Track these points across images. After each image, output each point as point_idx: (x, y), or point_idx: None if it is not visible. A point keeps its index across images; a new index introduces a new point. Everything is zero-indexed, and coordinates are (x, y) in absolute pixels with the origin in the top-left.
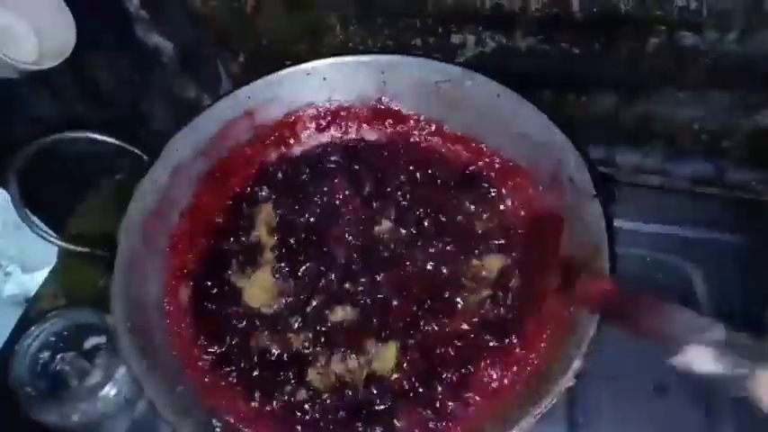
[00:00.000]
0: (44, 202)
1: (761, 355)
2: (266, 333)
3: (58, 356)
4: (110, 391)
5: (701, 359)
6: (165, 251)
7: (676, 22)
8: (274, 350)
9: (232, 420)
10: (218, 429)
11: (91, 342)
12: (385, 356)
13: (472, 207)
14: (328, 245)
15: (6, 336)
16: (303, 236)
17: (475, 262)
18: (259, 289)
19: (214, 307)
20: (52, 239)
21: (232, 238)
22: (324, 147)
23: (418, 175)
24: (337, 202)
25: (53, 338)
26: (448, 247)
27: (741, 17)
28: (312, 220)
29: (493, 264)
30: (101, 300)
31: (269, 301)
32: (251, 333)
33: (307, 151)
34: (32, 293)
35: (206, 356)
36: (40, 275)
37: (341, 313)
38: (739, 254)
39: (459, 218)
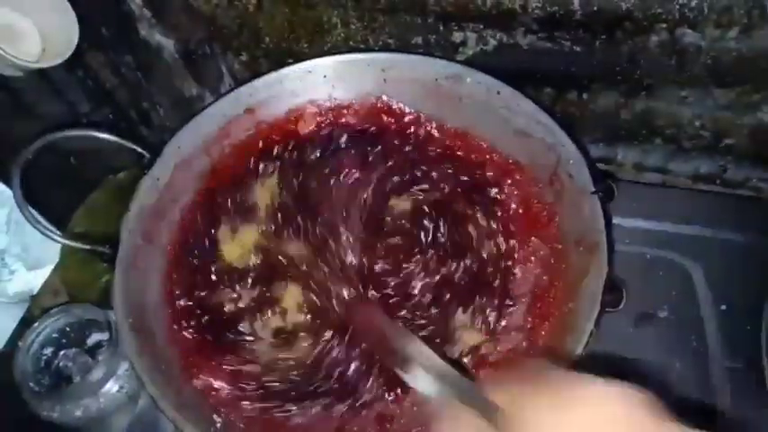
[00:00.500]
0: (47, 199)
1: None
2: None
3: (61, 353)
4: (112, 386)
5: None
6: (166, 248)
7: (677, 19)
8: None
9: (232, 416)
10: (218, 425)
11: (93, 338)
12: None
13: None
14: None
15: (11, 332)
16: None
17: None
18: (239, 246)
19: (195, 260)
20: (54, 236)
21: (229, 200)
22: (333, 127)
23: (433, 173)
24: (342, 179)
25: (56, 335)
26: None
27: (742, 14)
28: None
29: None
30: (103, 296)
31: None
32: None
33: (314, 132)
34: (35, 292)
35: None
36: (45, 273)
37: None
38: (740, 251)
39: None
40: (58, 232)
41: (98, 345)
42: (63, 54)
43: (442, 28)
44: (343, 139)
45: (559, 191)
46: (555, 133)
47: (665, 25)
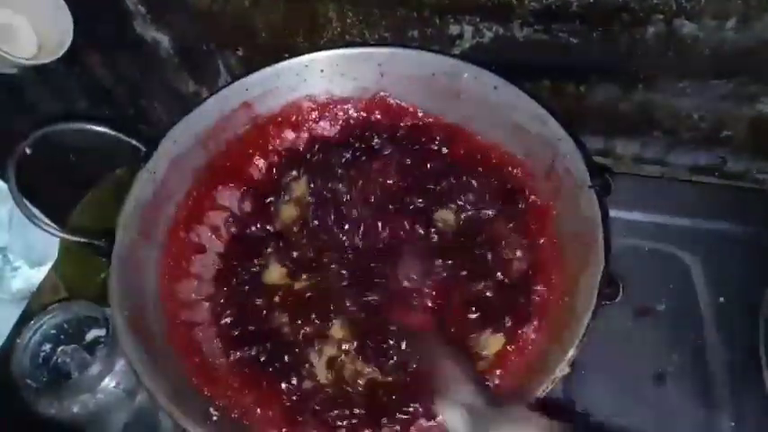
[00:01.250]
0: (46, 196)
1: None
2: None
3: (59, 349)
4: (110, 382)
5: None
6: (162, 242)
7: (674, 10)
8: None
9: (228, 409)
10: (215, 418)
11: (91, 335)
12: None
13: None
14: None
15: (12, 329)
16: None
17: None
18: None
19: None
20: (51, 230)
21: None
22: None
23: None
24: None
25: (54, 331)
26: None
27: (740, 4)
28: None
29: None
30: (102, 293)
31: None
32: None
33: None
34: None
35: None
36: (46, 270)
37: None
38: (739, 244)
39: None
40: (55, 226)
41: (96, 341)
42: (58, 51)
43: (438, 21)
44: (376, 141)
45: (556, 185)
46: (552, 128)
47: (662, 16)
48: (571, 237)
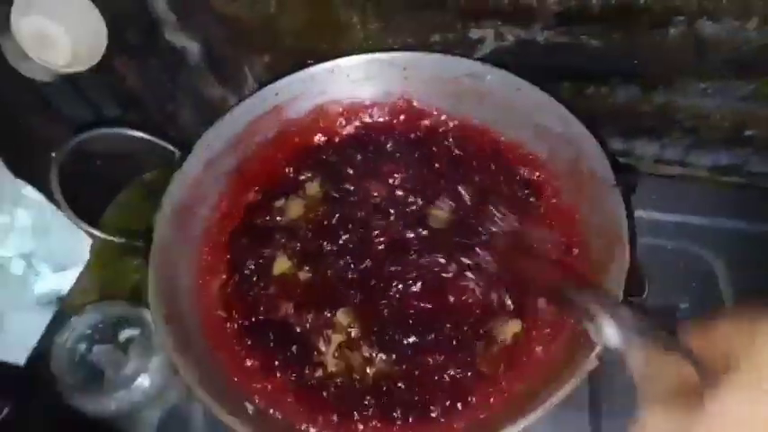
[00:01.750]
0: (74, 202)
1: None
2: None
3: (95, 348)
4: (144, 381)
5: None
6: (197, 242)
7: (695, 11)
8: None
9: (263, 404)
10: (250, 411)
11: (125, 334)
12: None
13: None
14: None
15: (37, 335)
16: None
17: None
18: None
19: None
20: (94, 232)
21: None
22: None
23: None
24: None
25: (89, 331)
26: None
27: (761, 4)
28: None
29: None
30: (134, 294)
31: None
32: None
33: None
34: (62, 293)
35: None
36: (70, 275)
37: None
38: (762, 243)
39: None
40: (96, 228)
41: (130, 340)
42: (92, 59)
43: (459, 25)
44: (389, 144)
45: (580, 185)
46: (574, 127)
47: (683, 17)
48: (596, 235)
